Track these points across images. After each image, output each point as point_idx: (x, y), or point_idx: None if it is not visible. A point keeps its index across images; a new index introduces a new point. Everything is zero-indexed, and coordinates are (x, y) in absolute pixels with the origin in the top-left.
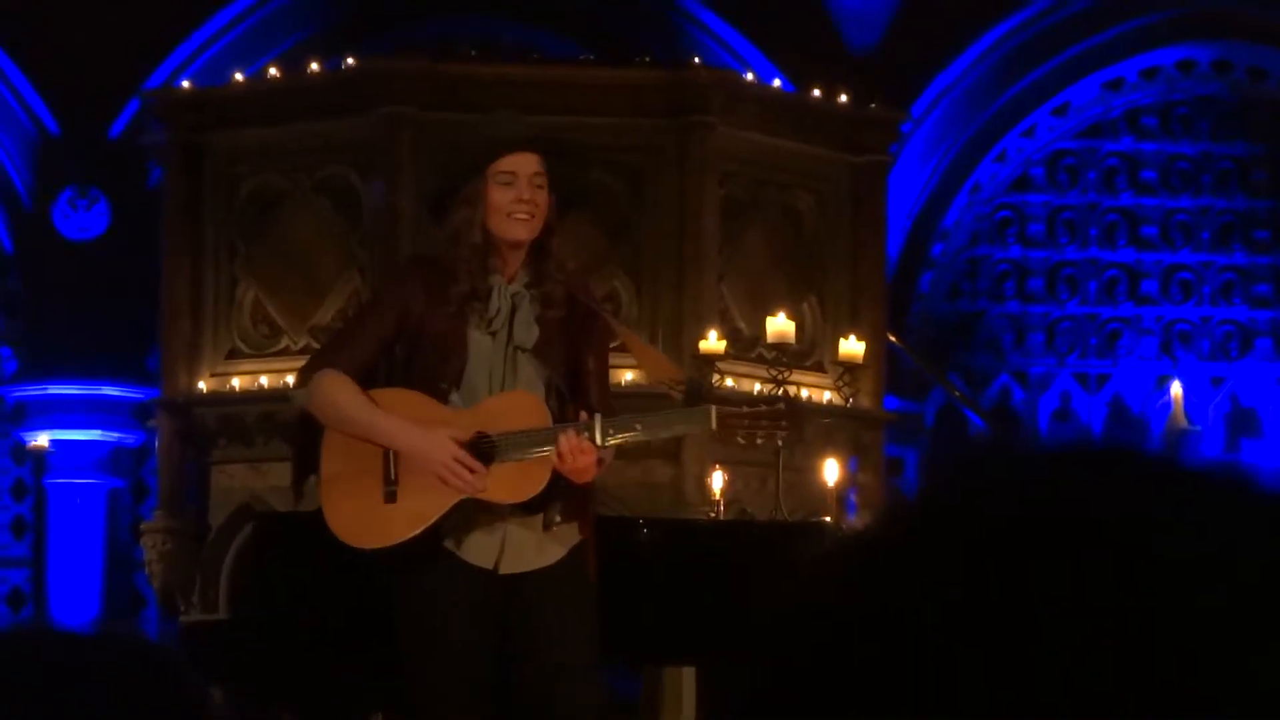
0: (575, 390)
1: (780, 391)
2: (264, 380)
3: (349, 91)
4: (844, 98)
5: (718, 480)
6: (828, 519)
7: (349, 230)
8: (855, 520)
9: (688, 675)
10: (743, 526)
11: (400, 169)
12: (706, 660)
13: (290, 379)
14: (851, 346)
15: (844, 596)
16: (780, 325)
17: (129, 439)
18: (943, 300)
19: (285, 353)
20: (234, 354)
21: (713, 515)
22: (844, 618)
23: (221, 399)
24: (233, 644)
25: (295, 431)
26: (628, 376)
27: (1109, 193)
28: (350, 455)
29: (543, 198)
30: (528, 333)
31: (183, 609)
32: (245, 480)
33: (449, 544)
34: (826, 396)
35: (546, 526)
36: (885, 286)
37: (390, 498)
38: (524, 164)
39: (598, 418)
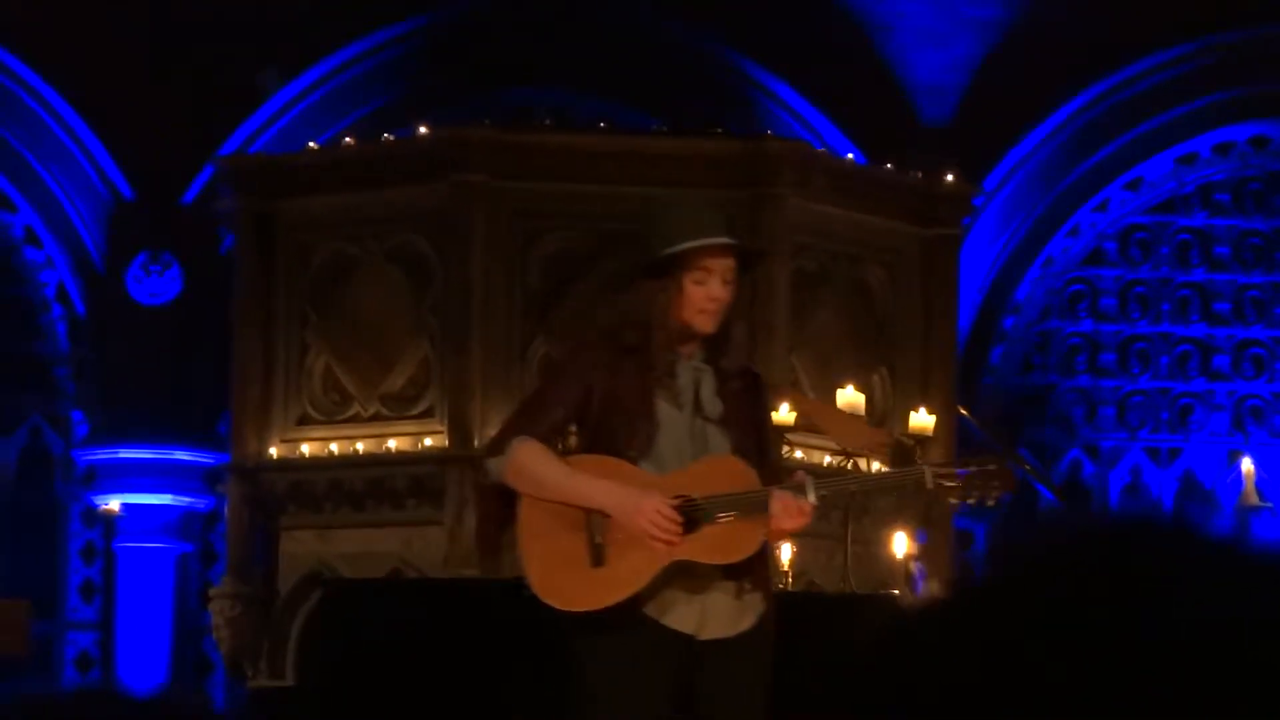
0: (753, 461)
1: (987, 456)
2: (334, 447)
3: (420, 160)
4: (917, 171)
5: (786, 552)
6: (895, 592)
7: (419, 298)
8: (923, 593)
9: None
10: (812, 599)
11: (471, 237)
12: None
13: (359, 446)
14: (922, 419)
15: (912, 666)
16: (850, 397)
17: (199, 504)
18: (1014, 373)
19: (355, 419)
20: (304, 420)
21: (781, 587)
22: (910, 687)
23: (291, 465)
24: (300, 710)
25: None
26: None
27: (1181, 268)
28: (551, 518)
29: (730, 294)
30: (713, 405)
31: (250, 675)
32: (313, 546)
33: (649, 609)
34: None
35: (740, 594)
36: (956, 359)
37: (598, 560)
38: (721, 264)
39: (809, 478)
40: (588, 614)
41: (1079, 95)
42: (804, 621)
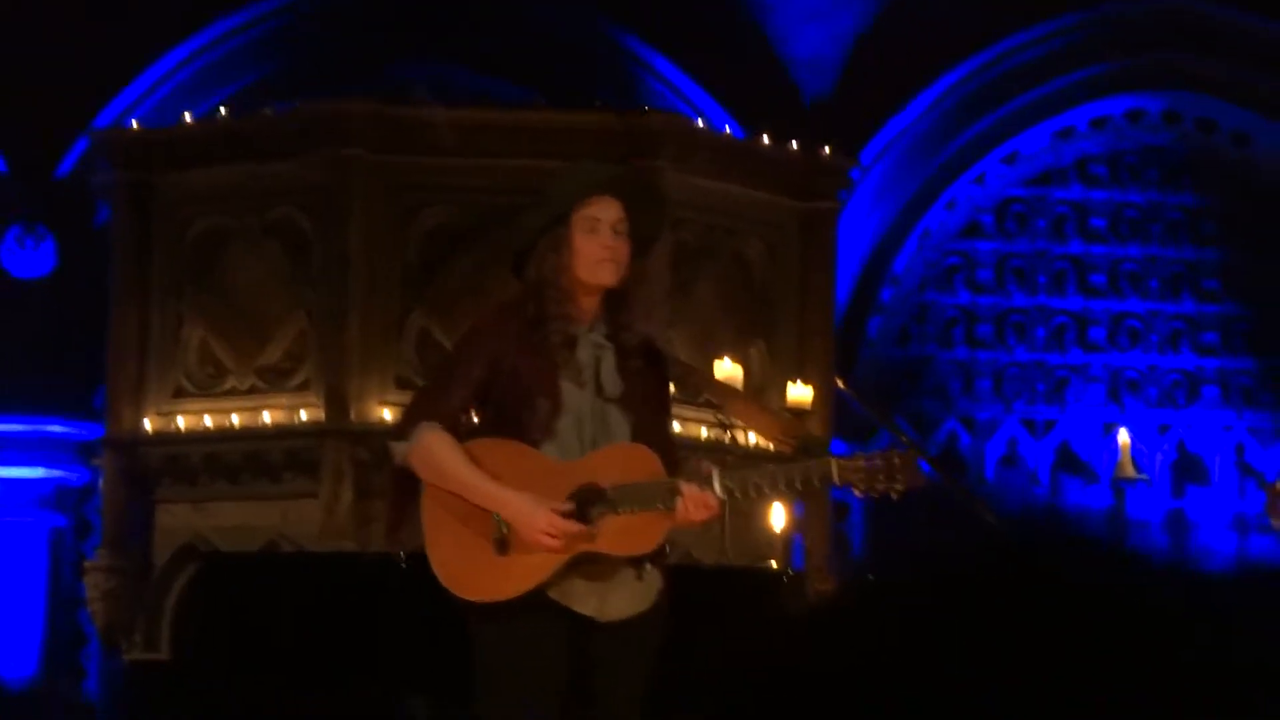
0: (653, 441)
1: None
2: (209, 420)
3: (299, 134)
4: (795, 144)
5: None
6: (773, 564)
7: (297, 272)
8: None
9: None
10: (690, 571)
11: (350, 211)
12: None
13: (235, 419)
14: (799, 392)
15: (802, 658)
16: (727, 370)
17: (73, 477)
18: (891, 345)
19: (231, 393)
20: (180, 393)
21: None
22: (800, 679)
23: (167, 438)
24: (175, 685)
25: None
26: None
27: (1058, 240)
28: (455, 506)
29: (624, 246)
30: (614, 383)
31: (125, 648)
32: (189, 520)
33: (552, 593)
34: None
35: (640, 575)
36: (833, 332)
37: (502, 550)
38: (609, 210)
39: (716, 471)
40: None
41: (956, 69)
42: (683, 594)
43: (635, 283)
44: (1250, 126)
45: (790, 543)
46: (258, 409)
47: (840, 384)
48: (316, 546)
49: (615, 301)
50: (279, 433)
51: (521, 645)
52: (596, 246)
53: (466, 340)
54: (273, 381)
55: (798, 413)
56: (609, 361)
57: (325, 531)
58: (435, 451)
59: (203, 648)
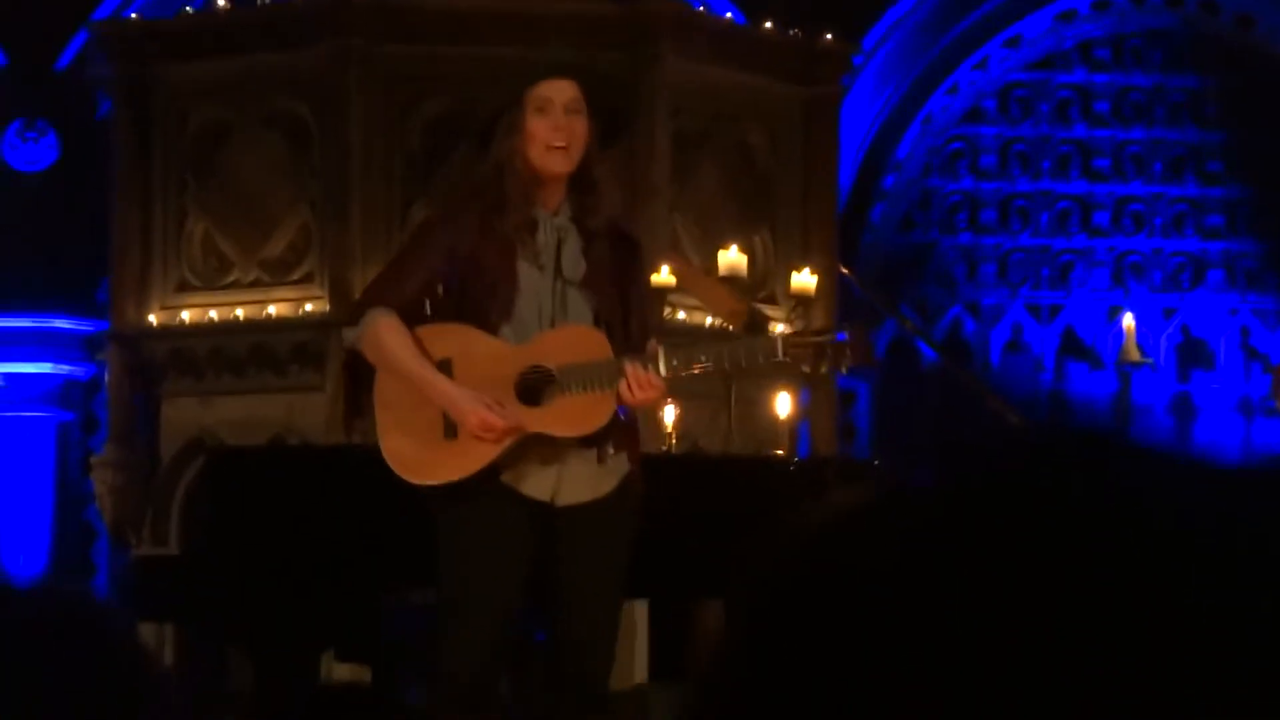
0: (624, 322)
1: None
2: (213, 313)
3: (298, 24)
4: (796, 30)
5: (670, 414)
6: (780, 452)
7: (300, 164)
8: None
9: (640, 610)
10: (695, 459)
11: (349, 101)
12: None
13: (239, 312)
14: (803, 279)
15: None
16: (732, 258)
17: (79, 372)
18: (894, 232)
19: (235, 286)
20: (184, 287)
21: (665, 449)
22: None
23: (171, 332)
24: (184, 579)
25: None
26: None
27: (1061, 124)
28: (404, 389)
29: (580, 125)
30: (575, 266)
31: (134, 543)
32: (195, 414)
33: (506, 477)
34: (779, 329)
35: (601, 459)
36: (836, 218)
37: (450, 433)
38: (560, 90)
39: (661, 349)
40: (443, 484)
41: None
42: (688, 482)
43: (596, 164)
44: (1253, 8)
45: (796, 431)
46: (262, 302)
47: (844, 271)
48: (323, 439)
49: (579, 184)
50: (284, 325)
51: (477, 529)
52: (546, 127)
53: (423, 226)
54: (277, 274)
55: (802, 300)
56: (571, 244)
57: (331, 424)
58: (383, 338)
59: (211, 541)
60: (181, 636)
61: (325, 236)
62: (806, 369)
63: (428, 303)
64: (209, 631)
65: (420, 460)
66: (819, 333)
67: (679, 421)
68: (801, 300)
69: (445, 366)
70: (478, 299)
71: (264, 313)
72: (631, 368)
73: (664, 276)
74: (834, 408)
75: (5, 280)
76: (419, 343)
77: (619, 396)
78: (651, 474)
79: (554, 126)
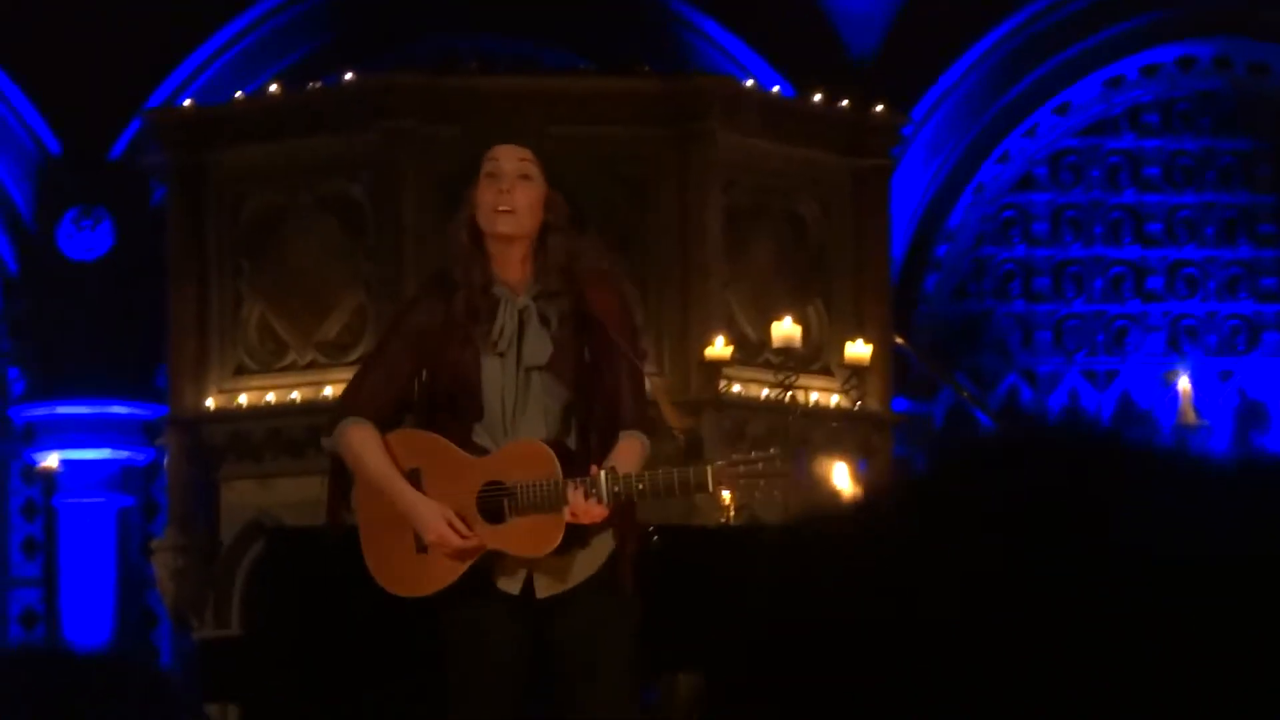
0: (594, 409)
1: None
2: (271, 396)
3: (349, 107)
4: (845, 102)
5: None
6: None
7: (353, 246)
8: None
9: (697, 682)
10: (754, 531)
11: (403, 183)
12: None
13: (296, 395)
14: (858, 349)
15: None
16: (786, 330)
17: (138, 457)
18: (949, 301)
19: (291, 368)
20: (241, 370)
21: (724, 521)
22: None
23: (229, 415)
24: (247, 660)
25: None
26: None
27: (1113, 190)
28: (382, 502)
29: (531, 190)
30: (538, 350)
31: (195, 626)
32: (254, 496)
33: (483, 575)
34: (834, 400)
35: (569, 550)
36: (890, 289)
37: (421, 547)
38: (508, 154)
39: (603, 475)
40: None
41: (1005, 21)
42: (746, 556)
43: (551, 232)
44: None
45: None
46: (319, 383)
47: (899, 341)
48: None
49: (540, 258)
50: None
51: (463, 632)
52: (493, 193)
53: (391, 324)
54: (332, 355)
55: (857, 370)
56: (535, 326)
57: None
58: (355, 449)
59: (273, 623)
60: (245, 718)
61: (380, 317)
62: (735, 496)
63: (405, 397)
64: (273, 712)
65: (398, 573)
66: (748, 460)
67: (735, 497)
68: (856, 370)
69: (414, 476)
70: (449, 394)
71: (320, 394)
72: (574, 494)
73: (719, 349)
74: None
75: (64, 368)
76: (390, 449)
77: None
78: (712, 546)
79: (500, 190)
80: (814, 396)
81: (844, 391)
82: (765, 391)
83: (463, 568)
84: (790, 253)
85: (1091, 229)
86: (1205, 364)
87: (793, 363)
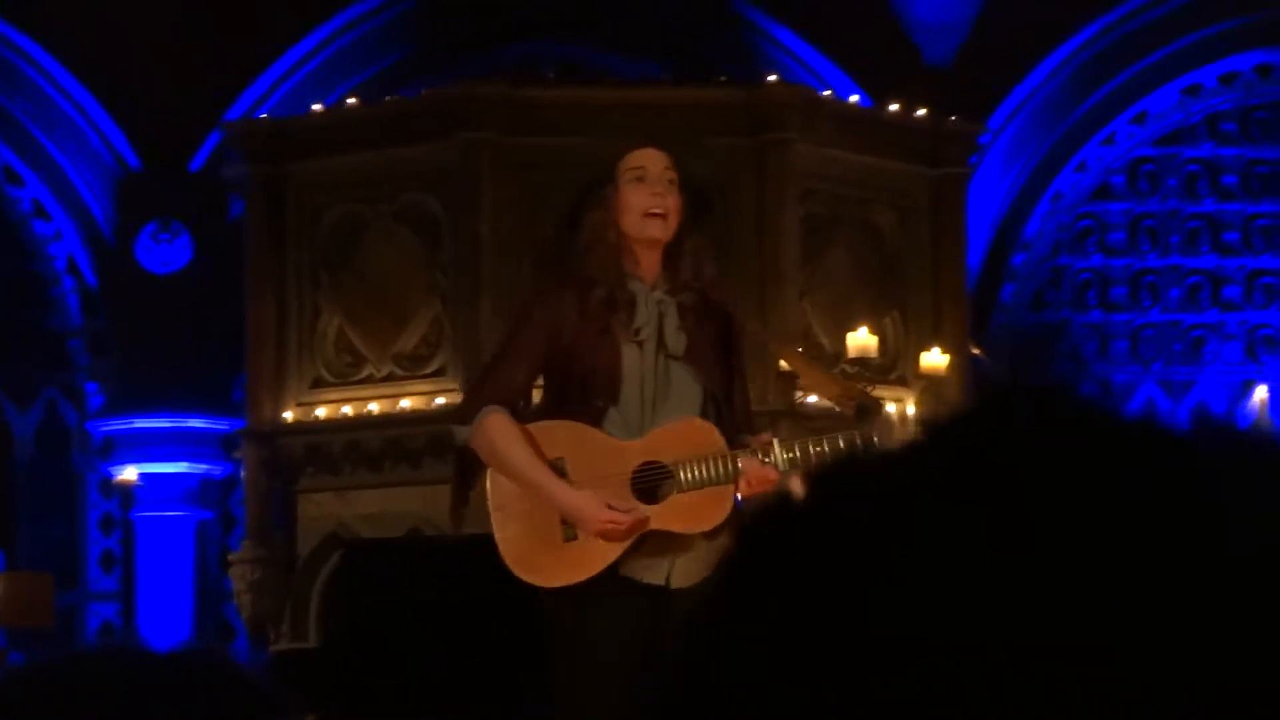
0: (729, 400)
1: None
2: (348, 409)
3: (428, 118)
4: (922, 111)
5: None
6: None
7: (431, 258)
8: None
9: None
10: None
11: (481, 194)
12: None
13: (374, 407)
14: (934, 359)
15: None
16: (862, 340)
17: (215, 470)
18: (1026, 310)
19: (369, 380)
20: (318, 383)
21: None
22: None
23: (307, 428)
24: (324, 672)
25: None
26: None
27: (1190, 199)
28: (520, 493)
29: (675, 196)
30: (677, 341)
31: (272, 638)
32: (332, 508)
33: (623, 568)
34: (911, 410)
35: (709, 540)
36: (967, 298)
37: (570, 536)
38: (654, 160)
39: (776, 443)
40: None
41: (1082, 30)
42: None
43: (688, 235)
44: None
45: None
46: (396, 396)
47: (976, 351)
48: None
49: (673, 256)
50: (418, 418)
51: (601, 627)
52: (644, 195)
53: (523, 315)
54: (410, 368)
55: (934, 380)
56: (672, 318)
57: (467, 516)
58: (496, 439)
59: (350, 636)
60: None
61: (457, 329)
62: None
63: (530, 394)
64: None
65: (540, 562)
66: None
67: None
68: (933, 380)
69: (558, 466)
70: (582, 383)
71: (398, 406)
72: (748, 463)
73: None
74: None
75: (142, 381)
76: (530, 442)
77: (737, 490)
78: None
79: (651, 193)
80: (891, 407)
81: (919, 401)
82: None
83: (618, 552)
84: (867, 262)
85: (1168, 238)
86: None
87: (869, 373)
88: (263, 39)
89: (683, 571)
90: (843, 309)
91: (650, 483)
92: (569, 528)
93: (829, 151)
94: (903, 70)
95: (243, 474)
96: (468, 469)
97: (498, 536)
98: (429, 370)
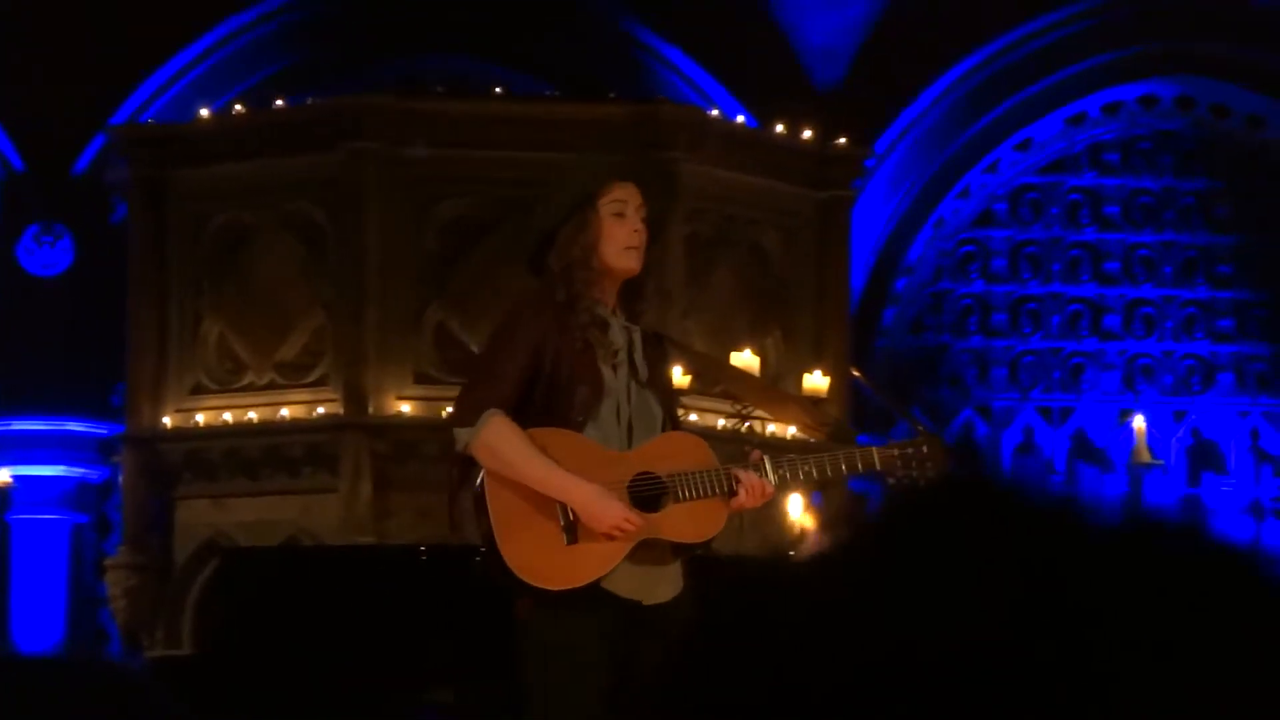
0: (675, 424)
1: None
2: (228, 416)
3: (315, 128)
4: (809, 134)
5: None
6: (792, 554)
7: (315, 267)
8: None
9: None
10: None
11: (366, 205)
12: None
13: (254, 415)
14: (815, 381)
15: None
16: (745, 360)
17: (93, 474)
18: (906, 335)
19: (250, 388)
20: (199, 390)
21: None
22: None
23: (186, 434)
24: (198, 681)
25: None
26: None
27: (1072, 227)
28: (522, 495)
29: (645, 230)
30: (643, 366)
31: (146, 645)
32: (209, 516)
33: (604, 580)
34: (791, 431)
35: (675, 559)
36: (849, 321)
37: (571, 539)
38: (633, 194)
39: (766, 458)
40: (572, 589)
41: (969, 57)
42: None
43: (648, 271)
44: (1264, 110)
45: (811, 533)
46: (276, 404)
47: (856, 374)
48: (336, 540)
49: (633, 288)
50: (298, 427)
51: (577, 634)
52: (626, 231)
53: (509, 326)
54: (291, 376)
55: (814, 402)
56: (638, 345)
57: (345, 525)
58: (504, 440)
59: (224, 644)
60: None
61: (340, 339)
62: (892, 480)
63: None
64: None
65: (544, 566)
66: (904, 445)
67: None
68: (814, 402)
69: None
70: (561, 398)
71: (278, 415)
72: (746, 476)
73: (677, 378)
74: (847, 510)
75: (21, 384)
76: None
77: (731, 504)
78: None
79: (633, 229)
80: (770, 428)
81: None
82: (722, 421)
83: (618, 559)
84: (751, 283)
85: (1050, 266)
86: (1160, 403)
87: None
88: (150, 43)
89: (657, 589)
90: (726, 329)
91: (646, 493)
92: (569, 532)
93: (716, 171)
94: (790, 93)
95: (120, 479)
96: (464, 478)
97: (501, 545)
98: (310, 379)
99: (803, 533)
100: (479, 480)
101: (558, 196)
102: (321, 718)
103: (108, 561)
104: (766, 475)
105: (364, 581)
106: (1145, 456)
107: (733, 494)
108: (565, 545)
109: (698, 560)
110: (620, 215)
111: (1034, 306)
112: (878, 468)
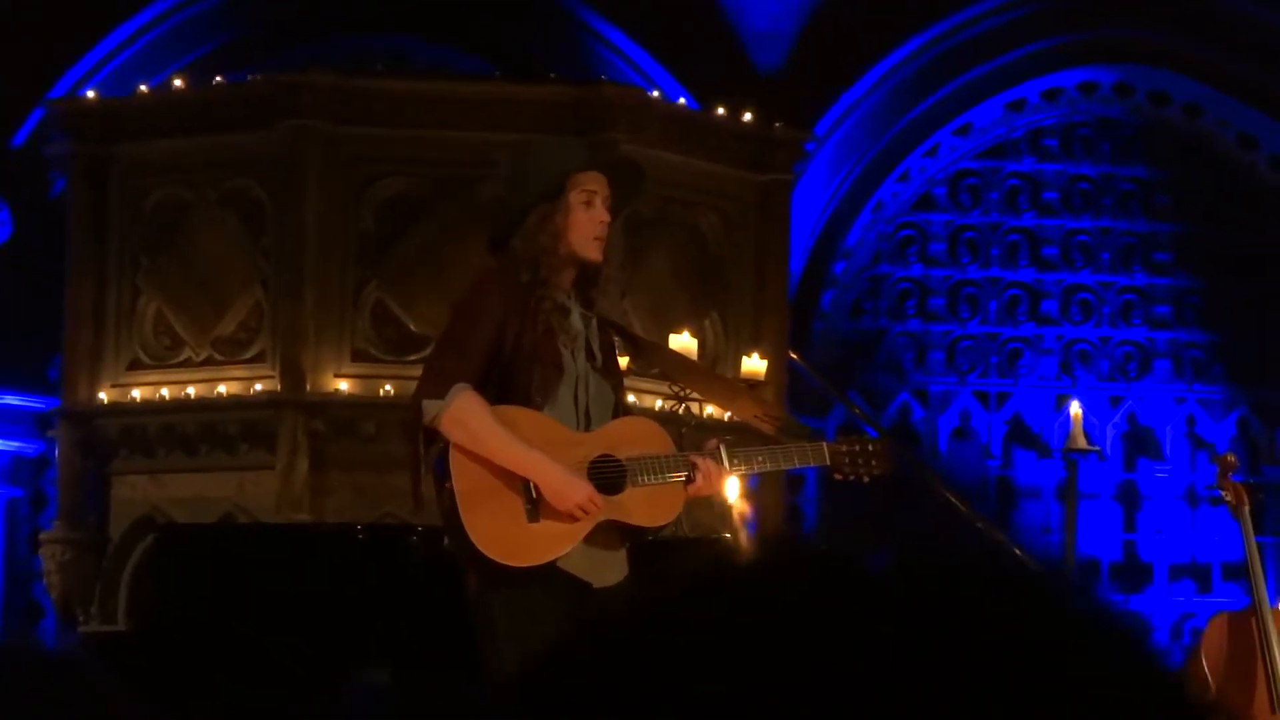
0: (625, 410)
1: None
2: (165, 391)
3: (256, 105)
4: (749, 116)
5: None
6: (728, 536)
7: (254, 244)
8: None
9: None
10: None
11: (306, 183)
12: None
13: (191, 391)
14: (753, 364)
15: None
16: (683, 342)
17: (28, 448)
18: (844, 318)
19: (187, 364)
20: (135, 365)
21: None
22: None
23: (122, 409)
24: (131, 657)
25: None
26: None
27: (1011, 213)
28: (485, 470)
29: (608, 221)
30: (599, 353)
31: (81, 620)
32: (146, 491)
33: (560, 561)
34: (728, 415)
35: (622, 543)
36: (787, 304)
37: (533, 517)
38: (601, 184)
39: (723, 446)
40: (504, 565)
41: (909, 41)
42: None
43: (605, 261)
44: (1202, 99)
45: (745, 516)
46: (214, 380)
47: (794, 357)
48: (273, 518)
49: (589, 276)
50: (235, 404)
51: (532, 611)
52: (594, 221)
53: (474, 302)
54: (229, 353)
55: (752, 384)
56: (594, 331)
57: (281, 502)
58: (473, 414)
59: (160, 619)
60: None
61: (277, 316)
62: (838, 477)
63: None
64: (158, 709)
65: (506, 541)
66: (852, 443)
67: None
68: (751, 384)
69: None
70: (520, 377)
71: (215, 391)
72: (704, 462)
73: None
74: (782, 492)
75: None
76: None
77: (688, 489)
78: None
79: (600, 220)
80: (708, 409)
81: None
82: (659, 403)
83: (578, 537)
84: (689, 264)
85: (988, 251)
86: (1097, 389)
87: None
88: (91, 16)
89: (607, 572)
90: (664, 310)
91: (606, 475)
92: (531, 509)
93: (656, 153)
94: (731, 75)
95: (56, 453)
96: (426, 453)
97: (465, 519)
98: (248, 356)
99: (738, 515)
100: (441, 452)
101: (532, 178)
102: (256, 696)
103: (43, 536)
104: (724, 463)
105: (300, 559)
106: (1081, 442)
107: (690, 480)
108: (526, 523)
109: (641, 543)
110: (589, 205)
111: (972, 291)
112: (827, 462)
